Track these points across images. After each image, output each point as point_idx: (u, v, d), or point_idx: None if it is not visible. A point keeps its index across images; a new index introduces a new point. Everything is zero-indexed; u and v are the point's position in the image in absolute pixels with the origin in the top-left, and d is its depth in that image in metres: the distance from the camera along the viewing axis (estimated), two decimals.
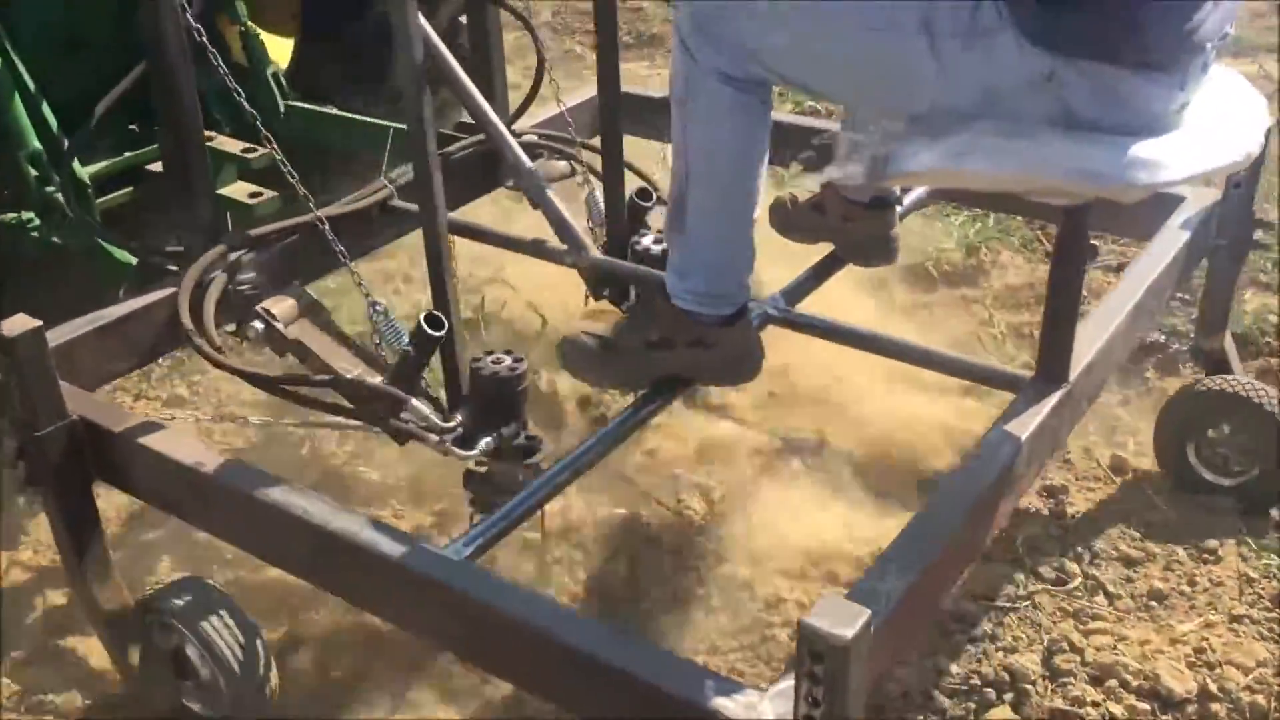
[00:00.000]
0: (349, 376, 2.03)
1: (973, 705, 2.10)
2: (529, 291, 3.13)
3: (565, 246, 2.42)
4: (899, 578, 1.59)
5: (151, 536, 2.57)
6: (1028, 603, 2.30)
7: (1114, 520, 2.51)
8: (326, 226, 2.15)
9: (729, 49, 1.78)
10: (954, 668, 2.17)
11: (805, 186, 2.47)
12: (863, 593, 1.58)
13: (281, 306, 2.15)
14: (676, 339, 2.02)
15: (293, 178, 2.20)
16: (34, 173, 2.71)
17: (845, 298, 3.18)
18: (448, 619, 1.68)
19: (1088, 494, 2.61)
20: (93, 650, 2.28)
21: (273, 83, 3.10)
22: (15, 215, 2.73)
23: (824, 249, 2.45)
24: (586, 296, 2.51)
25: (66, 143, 2.74)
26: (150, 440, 1.93)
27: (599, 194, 2.53)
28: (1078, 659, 2.16)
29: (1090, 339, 2.09)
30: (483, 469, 2.06)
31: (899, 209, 2.40)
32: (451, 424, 1.97)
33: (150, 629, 2.08)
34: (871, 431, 2.77)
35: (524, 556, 2.44)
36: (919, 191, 2.63)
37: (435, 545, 1.72)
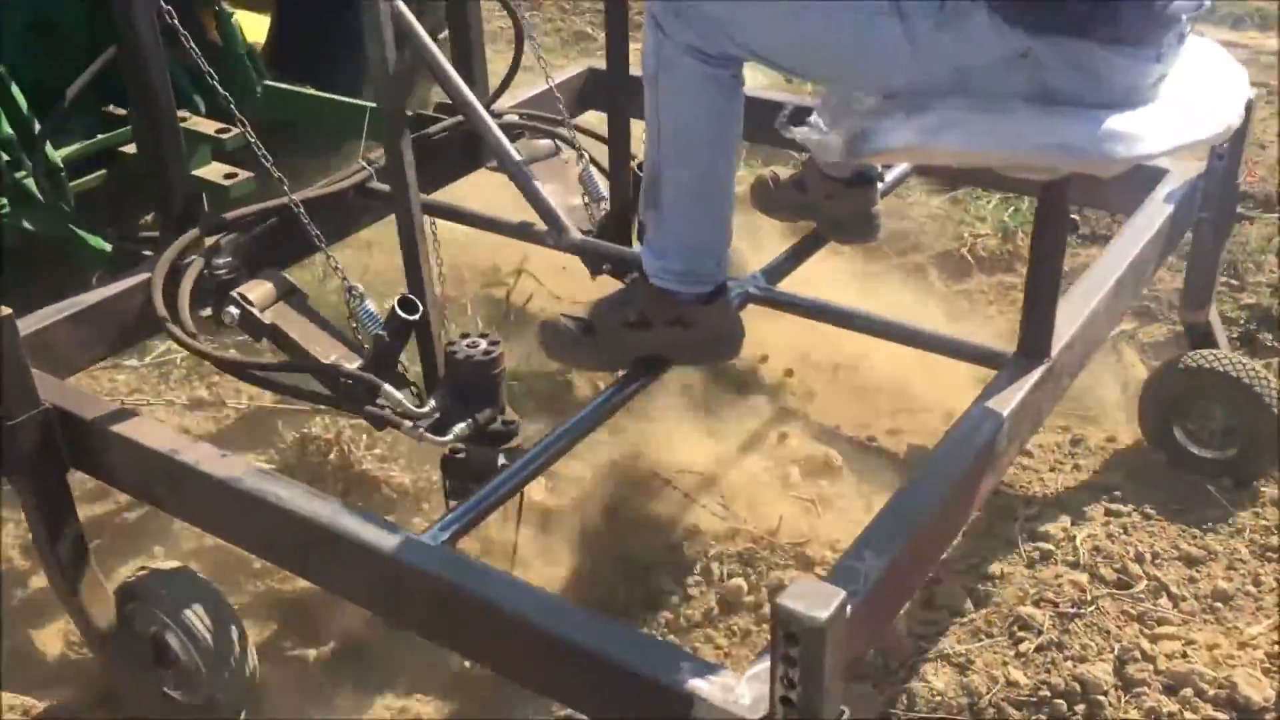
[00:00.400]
0: (326, 362, 2.01)
1: (1043, 718, 2.03)
2: (554, 282, 3.10)
3: (546, 228, 2.40)
4: (878, 557, 1.58)
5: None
6: (1093, 608, 2.21)
7: (1172, 517, 2.43)
8: (301, 210, 2.13)
9: (700, 24, 1.76)
10: (1022, 678, 2.09)
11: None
12: (841, 573, 1.57)
13: (259, 291, 2.13)
14: (655, 319, 2.00)
15: (267, 160, 2.18)
16: (5, 157, 2.69)
17: (881, 286, 3.16)
18: (424, 605, 1.66)
19: (1143, 490, 2.52)
20: (71, 640, 2.28)
21: (248, 62, 3.08)
22: None
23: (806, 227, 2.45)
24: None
25: (38, 127, 2.71)
26: (123, 428, 1.91)
27: (593, 170, 2.50)
28: (1150, 668, 2.09)
29: (1072, 315, 2.07)
30: (460, 454, 2.05)
31: (880, 186, 2.39)
32: (425, 409, 1.95)
33: (130, 617, 2.07)
34: (922, 419, 2.73)
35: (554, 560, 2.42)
36: (901, 168, 2.61)
37: (411, 531, 1.70)
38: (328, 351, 2.05)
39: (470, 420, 1.95)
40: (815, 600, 1.30)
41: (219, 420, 2.90)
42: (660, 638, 2.21)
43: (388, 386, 1.93)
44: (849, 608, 1.46)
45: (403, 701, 2.17)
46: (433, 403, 1.96)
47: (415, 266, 1.98)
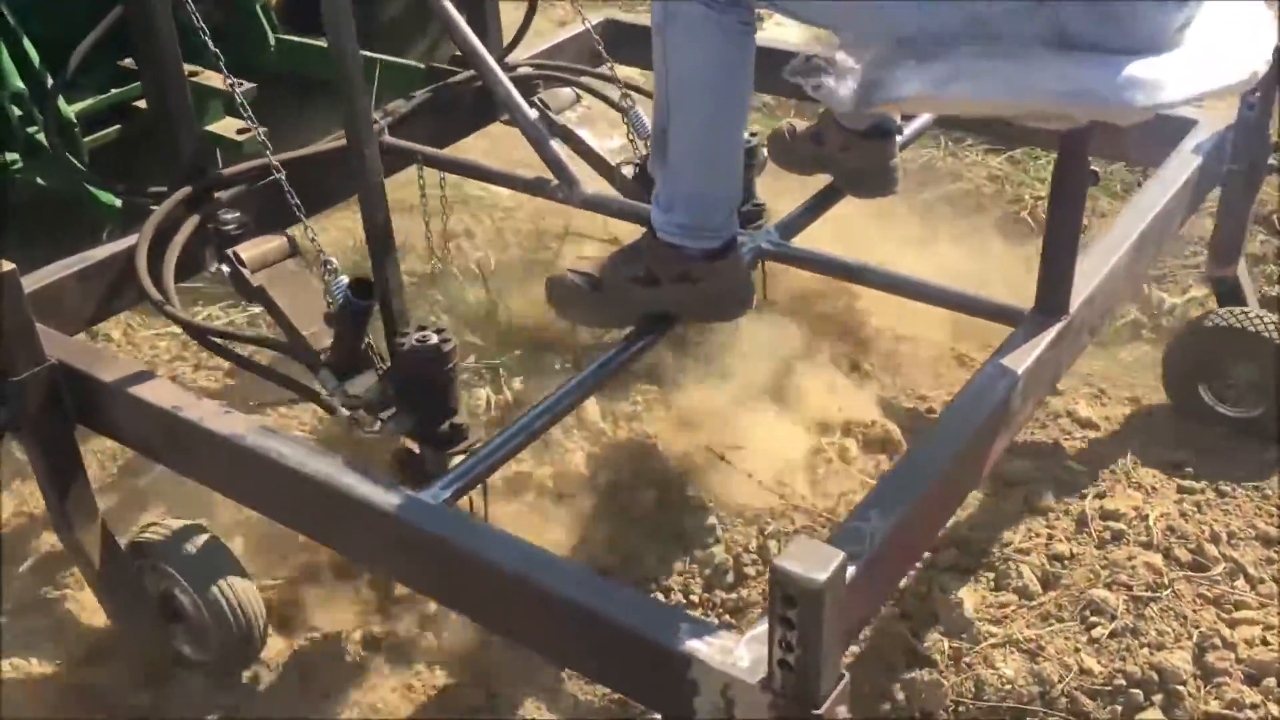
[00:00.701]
0: (304, 334, 1.94)
1: (1119, 708, 1.94)
2: (603, 243, 3.04)
3: (557, 182, 2.36)
4: (884, 518, 1.55)
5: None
6: (1168, 591, 2.11)
7: (1247, 494, 2.33)
8: (283, 175, 2.03)
9: None
10: (1095, 665, 1.99)
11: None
12: (845, 534, 1.54)
13: (259, 250, 2.09)
14: (662, 275, 1.97)
15: (252, 123, 2.12)
16: (17, 112, 2.67)
17: (937, 250, 3.04)
18: (425, 563, 1.65)
19: (1216, 465, 2.41)
20: (83, 597, 2.27)
21: (262, 15, 3.05)
22: (0, 156, 2.69)
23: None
24: None
25: (51, 82, 2.69)
26: (127, 384, 1.89)
27: (640, 110, 2.44)
28: (1231, 656, 1.99)
29: (1092, 270, 2.02)
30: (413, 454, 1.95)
31: (899, 139, 2.33)
32: (357, 397, 1.85)
33: (140, 572, 2.07)
34: None
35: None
36: (921, 121, 2.55)
37: (411, 490, 1.68)
38: (309, 321, 1.97)
39: (408, 418, 1.84)
40: (814, 561, 1.26)
41: (266, 391, 2.73)
42: (715, 619, 2.15)
43: (324, 371, 1.87)
44: (851, 569, 1.44)
45: (433, 679, 2.14)
46: (365, 391, 1.85)
47: (379, 246, 1.86)
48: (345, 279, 1.86)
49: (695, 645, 1.39)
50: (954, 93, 1.58)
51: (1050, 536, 2.26)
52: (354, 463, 1.71)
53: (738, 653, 1.38)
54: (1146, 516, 2.28)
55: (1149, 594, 2.12)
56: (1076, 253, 1.92)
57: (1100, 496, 2.35)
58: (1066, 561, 2.21)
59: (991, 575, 2.19)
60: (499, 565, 1.54)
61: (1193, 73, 1.57)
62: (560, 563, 1.57)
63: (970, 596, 2.13)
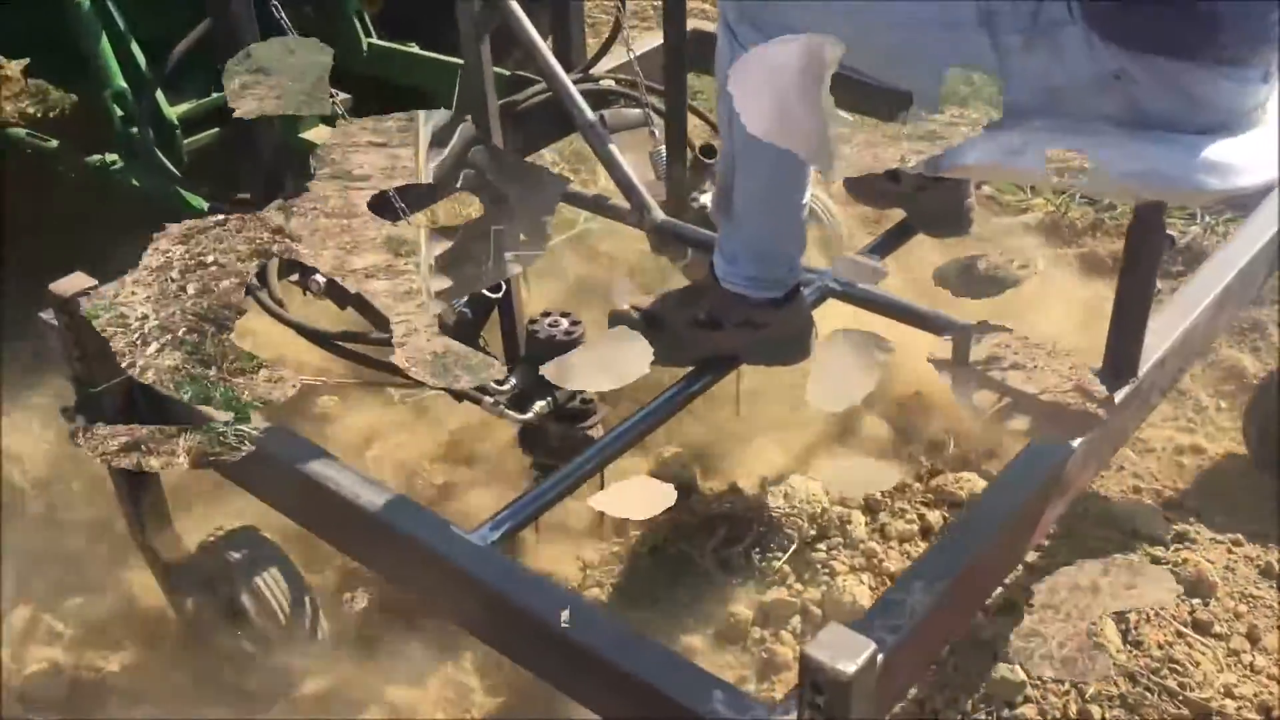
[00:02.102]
0: None
1: None
2: None
3: (629, 205, 2.36)
4: (926, 591, 1.53)
5: None
6: None
7: None
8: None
9: (777, 32, 1.68)
10: None
11: None
12: (886, 606, 1.53)
13: None
14: (725, 319, 1.97)
15: None
16: (119, 112, 2.73)
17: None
18: (468, 603, 1.67)
19: None
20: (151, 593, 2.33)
21: (356, 21, 3.08)
22: (101, 157, 2.76)
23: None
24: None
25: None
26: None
27: (664, 149, 2.44)
28: None
29: (1166, 329, 1.97)
30: (540, 431, 2.06)
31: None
32: (506, 386, 1.97)
33: (209, 576, 2.14)
34: None
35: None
36: None
37: (461, 528, 1.71)
38: None
39: (549, 398, 1.98)
40: (843, 651, 1.27)
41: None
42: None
43: None
44: (889, 645, 1.44)
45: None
46: (513, 380, 1.98)
47: None
48: None
49: (725, 714, 1.40)
50: (1024, 164, 1.55)
51: None
52: (405, 498, 1.74)
53: None
54: None
55: None
56: (1148, 316, 1.87)
57: None
58: None
59: None
60: (537, 613, 1.56)
61: (1268, 155, 1.52)
62: (598, 616, 1.58)
63: None
